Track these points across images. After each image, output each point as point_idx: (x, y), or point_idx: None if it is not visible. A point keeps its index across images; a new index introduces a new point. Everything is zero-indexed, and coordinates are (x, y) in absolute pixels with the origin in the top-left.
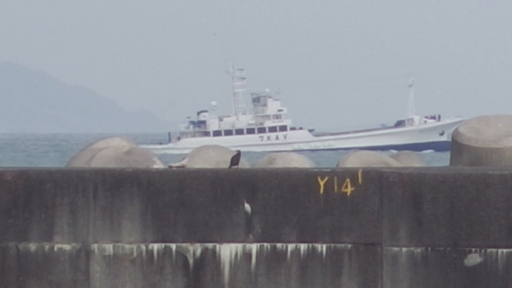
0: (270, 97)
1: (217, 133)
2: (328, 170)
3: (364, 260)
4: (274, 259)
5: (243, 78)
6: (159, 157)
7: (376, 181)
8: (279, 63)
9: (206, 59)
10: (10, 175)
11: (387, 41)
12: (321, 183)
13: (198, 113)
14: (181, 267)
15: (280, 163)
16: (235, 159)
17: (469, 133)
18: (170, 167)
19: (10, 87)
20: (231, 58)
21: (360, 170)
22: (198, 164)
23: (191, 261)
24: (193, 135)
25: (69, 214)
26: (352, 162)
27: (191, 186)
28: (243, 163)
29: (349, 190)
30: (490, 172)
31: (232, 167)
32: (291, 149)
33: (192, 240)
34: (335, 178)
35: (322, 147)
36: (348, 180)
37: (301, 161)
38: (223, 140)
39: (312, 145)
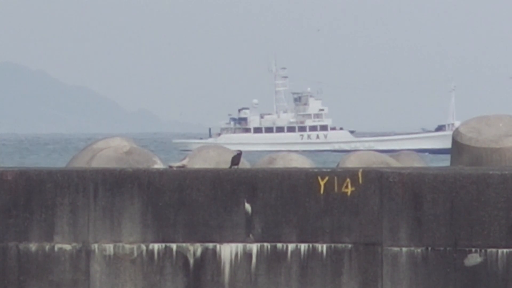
0: (311, 96)
1: (257, 130)
2: (329, 170)
3: (364, 260)
4: (274, 259)
5: (285, 77)
6: None
7: (376, 181)
8: (322, 63)
9: (248, 57)
10: (10, 175)
11: (430, 45)
12: (322, 183)
13: (240, 110)
14: (182, 267)
15: (281, 163)
16: (236, 159)
17: (469, 133)
18: (171, 167)
19: (10, 87)
20: (274, 56)
21: (361, 170)
22: (198, 164)
23: (191, 261)
24: (234, 131)
25: (69, 214)
26: (352, 162)
27: (192, 186)
28: (244, 163)
29: (349, 190)
30: (491, 172)
31: (233, 167)
32: (331, 148)
33: (193, 240)
34: (336, 178)
35: (362, 148)
36: (348, 180)
37: (302, 161)
38: (263, 137)
39: (352, 146)
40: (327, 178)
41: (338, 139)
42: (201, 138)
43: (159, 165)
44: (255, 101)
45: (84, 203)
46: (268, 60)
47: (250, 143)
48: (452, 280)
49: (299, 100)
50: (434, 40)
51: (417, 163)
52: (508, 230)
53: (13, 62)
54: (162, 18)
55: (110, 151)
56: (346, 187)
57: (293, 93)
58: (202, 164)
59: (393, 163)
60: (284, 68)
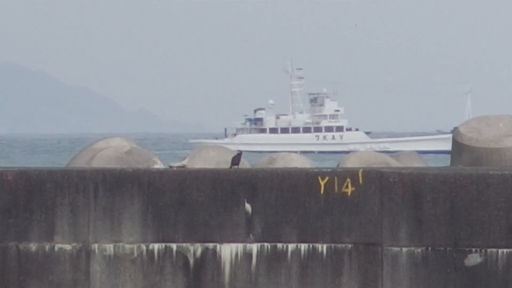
0: (327, 97)
1: (273, 131)
2: (329, 170)
3: (365, 260)
4: (274, 259)
5: (301, 78)
6: None
7: (377, 181)
8: (338, 64)
9: (264, 58)
10: (10, 175)
11: (447, 47)
12: (322, 183)
13: (255, 111)
14: (182, 267)
15: (281, 163)
16: (236, 159)
17: (470, 133)
18: (171, 167)
19: (10, 87)
20: (290, 57)
21: (361, 170)
22: (198, 164)
23: (191, 261)
24: (249, 131)
25: (69, 214)
26: (352, 162)
27: (192, 186)
28: (244, 163)
29: (349, 190)
30: (491, 172)
31: (233, 167)
32: (346, 149)
33: (193, 240)
34: (336, 178)
35: (377, 149)
36: (348, 180)
37: (302, 161)
38: (279, 138)
39: (368, 147)
40: (327, 178)
41: (354, 140)
42: (216, 138)
43: (159, 165)
44: (271, 101)
45: (84, 203)
46: (284, 61)
47: (265, 144)
48: (452, 280)
49: (315, 101)
50: (450, 42)
51: (417, 163)
52: (508, 230)
53: (13, 62)
54: (163, 18)
55: (110, 151)
56: (346, 187)
57: (309, 94)
58: (202, 164)
59: (393, 163)
60: (300, 69)
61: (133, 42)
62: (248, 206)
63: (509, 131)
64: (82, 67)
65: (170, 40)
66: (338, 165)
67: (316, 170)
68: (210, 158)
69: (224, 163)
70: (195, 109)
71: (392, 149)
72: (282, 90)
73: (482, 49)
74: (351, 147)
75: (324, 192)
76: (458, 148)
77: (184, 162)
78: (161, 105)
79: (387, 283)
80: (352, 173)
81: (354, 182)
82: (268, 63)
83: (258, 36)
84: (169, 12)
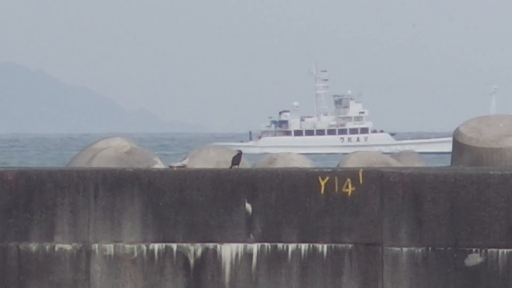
0: (352, 99)
1: (298, 133)
2: (329, 170)
3: (365, 260)
4: (274, 259)
5: (326, 80)
6: None
7: (377, 181)
8: (362, 65)
9: (288, 60)
10: (10, 175)
11: (472, 47)
12: (322, 183)
13: (280, 113)
14: (182, 267)
15: (281, 163)
16: (236, 159)
17: (470, 133)
18: (171, 167)
19: (10, 87)
20: (315, 59)
21: (361, 170)
22: (198, 164)
23: (191, 261)
24: (274, 134)
25: (69, 214)
26: (352, 162)
27: (192, 186)
28: (244, 163)
29: (349, 190)
30: (491, 172)
31: (233, 167)
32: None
33: (193, 240)
34: (336, 178)
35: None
36: (348, 180)
37: (302, 161)
38: (304, 140)
39: (393, 148)
40: (327, 178)
41: (379, 141)
42: (241, 141)
43: (159, 165)
44: (296, 103)
45: (85, 203)
46: (308, 63)
47: (290, 146)
48: (452, 280)
49: (339, 102)
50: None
51: (417, 163)
52: (509, 230)
53: (13, 62)
54: (163, 18)
55: (111, 151)
56: (347, 187)
57: (334, 96)
58: (203, 164)
59: (394, 163)
60: (325, 71)
61: (133, 42)
62: (248, 206)
63: (509, 131)
64: (82, 67)
65: (170, 40)
66: (338, 165)
67: (316, 170)
68: (210, 158)
69: (224, 163)
70: (195, 109)
71: (417, 150)
72: (307, 92)
73: (508, 50)
74: (376, 149)
75: (324, 192)
76: (459, 148)
77: (184, 162)
78: (161, 105)
79: (387, 283)
80: (352, 173)
81: (355, 182)
82: (293, 64)
83: (280, 37)
84: (170, 12)
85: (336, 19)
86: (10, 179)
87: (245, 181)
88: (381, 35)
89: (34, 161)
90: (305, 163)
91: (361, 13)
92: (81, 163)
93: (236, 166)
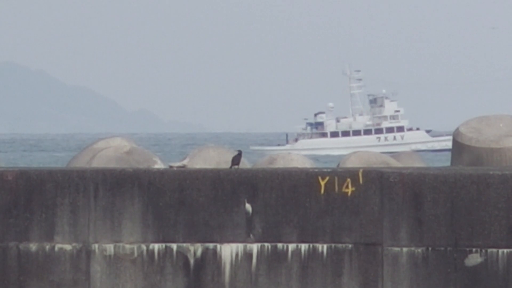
0: (387, 98)
1: (334, 134)
2: (329, 170)
3: (365, 260)
4: (274, 259)
5: (360, 79)
6: None
7: (377, 181)
8: (396, 64)
9: (322, 61)
10: (11, 175)
11: (509, 42)
12: (322, 183)
13: (316, 115)
14: (182, 267)
15: (281, 163)
16: (236, 159)
17: (470, 133)
18: (171, 167)
19: (10, 87)
20: (348, 59)
21: (361, 170)
22: (198, 164)
23: (191, 261)
24: (311, 136)
25: (69, 214)
26: (352, 162)
27: (192, 186)
28: (244, 163)
29: (349, 190)
30: (491, 172)
31: (233, 167)
32: (408, 149)
33: (193, 240)
34: (336, 178)
35: (439, 148)
36: (348, 180)
37: (302, 161)
38: (340, 141)
39: (429, 146)
40: (327, 178)
41: (415, 139)
42: (278, 145)
43: (159, 165)
44: (331, 104)
45: (85, 203)
46: (342, 63)
47: (327, 148)
48: (452, 280)
49: (374, 102)
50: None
51: (417, 163)
52: (509, 230)
53: (13, 62)
54: (163, 18)
55: (111, 151)
56: (347, 187)
57: (368, 95)
58: (203, 164)
59: (394, 163)
60: (359, 71)
61: (133, 42)
62: (248, 206)
63: (509, 131)
64: (82, 67)
65: (170, 40)
66: (338, 165)
67: (316, 170)
68: (210, 158)
69: (224, 163)
70: (196, 109)
71: None
72: (341, 93)
73: None
74: (413, 147)
75: (324, 192)
76: (459, 148)
77: (185, 162)
78: (161, 105)
79: (387, 283)
80: (352, 173)
81: (355, 182)
82: (327, 65)
83: (317, 38)
84: (170, 12)
85: (370, 18)
86: (10, 179)
87: (245, 181)
88: (414, 32)
89: (34, 161)
90: (305, 163)
91: (393, 11)
92: (81, 163)
93: (236, 166)
